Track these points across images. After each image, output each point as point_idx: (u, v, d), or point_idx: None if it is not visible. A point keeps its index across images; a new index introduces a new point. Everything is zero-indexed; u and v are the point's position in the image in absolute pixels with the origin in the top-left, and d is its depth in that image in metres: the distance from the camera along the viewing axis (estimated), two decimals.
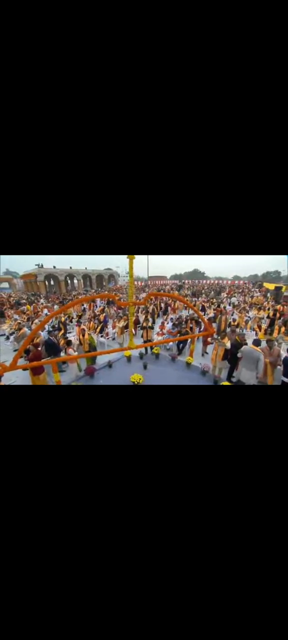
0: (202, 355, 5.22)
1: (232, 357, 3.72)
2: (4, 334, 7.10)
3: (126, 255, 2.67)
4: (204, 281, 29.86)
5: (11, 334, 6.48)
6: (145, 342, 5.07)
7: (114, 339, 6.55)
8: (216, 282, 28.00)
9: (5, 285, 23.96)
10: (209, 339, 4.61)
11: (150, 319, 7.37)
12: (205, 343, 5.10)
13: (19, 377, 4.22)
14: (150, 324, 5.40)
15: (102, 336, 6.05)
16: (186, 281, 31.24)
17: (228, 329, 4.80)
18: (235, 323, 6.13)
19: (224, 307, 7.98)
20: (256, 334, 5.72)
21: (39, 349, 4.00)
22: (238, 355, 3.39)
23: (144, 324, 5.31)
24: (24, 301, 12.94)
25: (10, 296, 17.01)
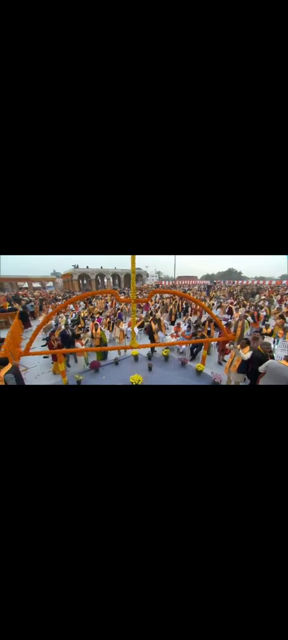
0: (219, 363, 4.61)
1: (252, 371, 3.08)
2: (31, 327, 8.16)
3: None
4: (240, 282, 26.71)
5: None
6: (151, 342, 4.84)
7: (127, 337, 6.57)
8: (256, 282, 24.63)
9: (50, 284, 27.99)
10: (227, 346, 4.00)
11: (167, 321, 7.07)
12: (222, 350, 4.47)
13: (39, 362, 4.71)
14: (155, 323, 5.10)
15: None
16: (217, 281, 28.72)
17: (248, 336, 4.05)
18: (268, 331, 5.12)
19: (256, 311, 6.82)
20: None
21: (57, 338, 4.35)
22: (261, 369, 2.76)
23: (146, 321, 5.07)
24: (60, 297, 14.65)
25: (51, 293, 19.66)
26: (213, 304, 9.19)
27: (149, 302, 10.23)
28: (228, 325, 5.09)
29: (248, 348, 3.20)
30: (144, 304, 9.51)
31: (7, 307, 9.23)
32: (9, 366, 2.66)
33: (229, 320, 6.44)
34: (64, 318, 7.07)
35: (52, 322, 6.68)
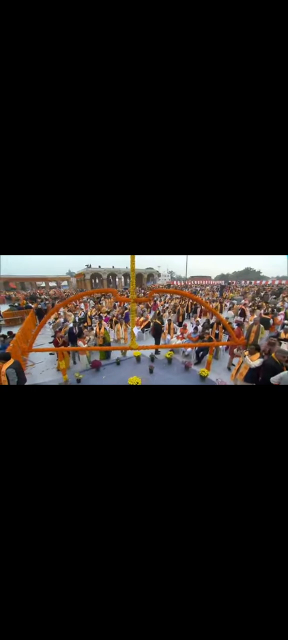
0: (228, 368, 4.30)
1: (262, 382, 2.77)
2: (49, 322, 8.54)
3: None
4: (258, 282, 25.01)
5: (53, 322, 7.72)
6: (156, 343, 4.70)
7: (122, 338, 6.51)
8: (277, 282, 22.84)
9: (65, 283, 29.32)
10: (234, 351, 3.70)
11: (174, 322, 6.83)
12: (232, 354, 4.15)
13: (46, 359, 4.89)
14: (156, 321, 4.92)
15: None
16: (231, 281, 27.29)
17: (262, 341, 3.69)
18: (287, 336, 4.63)
19: (272, 313, 6.25)
20: None
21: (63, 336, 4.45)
22: (273, 381, 2.44)
23: (153, 321, 4.91)
24: (71, 295, 15.20)
25: (65, 292, 20.54)
26: (225, 305, 8.69)
27: (157, 302, 10.10)
28: (239, 327, 4.72)
29: (258, 355, 2.90)
30: (152, 303, 9.40)
31: (24, 305, 9.84)
32: (11, 361, 2.77)
33: (241, 322, 6.01)
34: (72, 316, 7.28)
35: (61, 319, 6.91)
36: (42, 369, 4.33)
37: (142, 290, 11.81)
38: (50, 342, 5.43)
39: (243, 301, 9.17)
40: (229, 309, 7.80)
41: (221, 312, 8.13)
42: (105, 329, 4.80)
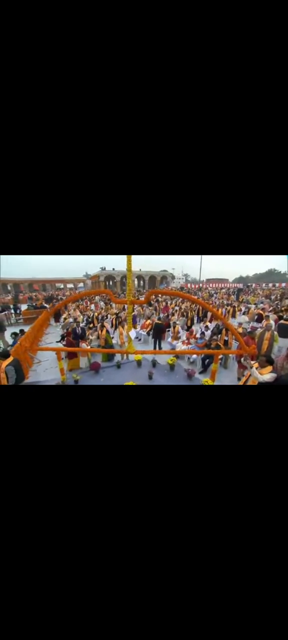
0: (239, 379, 3.91)
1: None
2: (60, 322, 8.94)
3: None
4: (284, 284, 22.84)
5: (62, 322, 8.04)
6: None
7: (140, 339, 6.41)
8: None
9: (81, 285, 30.74)
10: (242, 360, 3.33)
11: (179, 322, 6.52)
12: (240, 365, 3.76)
13: (51, 357, 5.04)
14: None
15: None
16: (251, 284, 25.43)
17: (276, 355, 3.25)
18: None
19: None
20: None
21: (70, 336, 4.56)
22: None
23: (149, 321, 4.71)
24: (86, 298, 15.79)
25: (79, 293, 21.47)
26: (239, 309, 8.05)
27: (168, 304, 9.83)
28: (251, 334, 4.27)
29: (270, 368, 2.52)
30: (163, 305, 9.18)
31: (40, 305, 10.49)
32: (10, 359, 2.88)
33: (258, 329, 5.46)
34: (81, 317, 7.49)
35: (70, 320, 7.16)
36: (46, 367, 4.47)
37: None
38: (57, 342, 5.63)
39: (261, 305, 8.38)
40: (243, 313, 7.17)
41: (233, 316, 7.55)
42: (107, 331, 4.78)
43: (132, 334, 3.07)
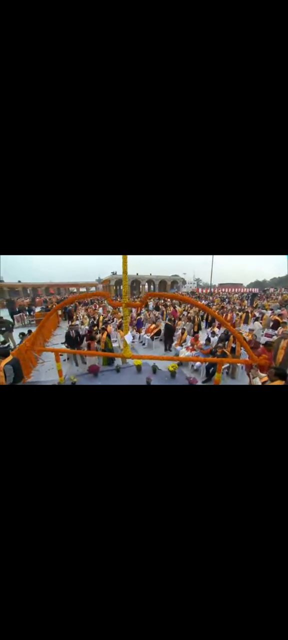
0: None
1: None
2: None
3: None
4: None
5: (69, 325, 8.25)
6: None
7: (144, 344, 6.27)
8: None
9: (93, 289, 31.80)
10: (250, 371, 3.01)
11: (186, 327, 6.24)
12: (249, 376, 3.41)
13: (52, 360, 5.14)
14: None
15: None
16: (267, 288, 23.83)
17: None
18: None
19: None
20: None
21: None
22: None
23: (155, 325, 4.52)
24: (95, 300, 16.19)
25: (71, 297, 22.05)
26: (253, 315, 7.49)
27: (176, 308, 9.56)
28: (267, 344, 3.85)
29: (280, 383, 2.22)
30: (171, 310, 8.95)
31: (50, 307, 10.97)
32: (9, 358, 2.95)
33: (273, 336, 4.98)
34: (88, 320, 7.61)
35: (77, 322, 7.31)
36: (49, 368, 4.55)
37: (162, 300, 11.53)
38: (62, 343, 5.75)
39: (278, 311, 7.72)
40: (256, 319, 6.63)
41: (245, 322, 7.03)
42: (107, 335, 4.74)
43: (128, 337, 2.97)
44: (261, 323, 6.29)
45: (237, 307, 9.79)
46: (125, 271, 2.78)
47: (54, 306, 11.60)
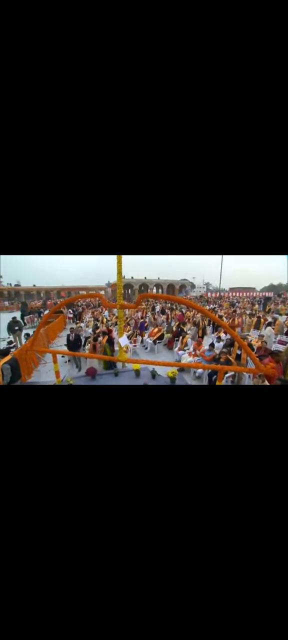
0: None
1: None
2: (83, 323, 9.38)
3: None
4: None
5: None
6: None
7: (146, 348, 6.15)
8: None
9: (102, 292, 32.62)
10: (253, 381, 2.75)
11: (190, 332, 6.00)
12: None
13: (58, 360, 5.22)
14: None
15: (130, 342, 5.86)
16: (282, 292, 22.42)
17: None
18: None
19: None
20: None
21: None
22: None
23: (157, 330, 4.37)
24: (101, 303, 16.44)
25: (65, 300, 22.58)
26: (265, 320, 7.01)
27: (183, 312, 9.32)
28: (273, 353, 3.50)
29: None
30: (178, 314, 8.74)
31: (58, 309, 11.32)
32: (8, 357, 3.01)
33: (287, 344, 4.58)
34: (92, 323, 7.69)
35: (82, 325, 7.40)
36: (50, 369, 4.61)
37: (168, 304, 11.27)
38: (65, 344, 5.84)
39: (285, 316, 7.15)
40: (268, 324, 6.18)
41: (256, 327, 6.59)
42: (108, 340, 4.69)
43: (123, 341, 2.88)
44: (273, 329, 5.84)
45: (248, 312, 9.27)
46: (119, 271, 2.70)
47: (61, 308, 11.98)
